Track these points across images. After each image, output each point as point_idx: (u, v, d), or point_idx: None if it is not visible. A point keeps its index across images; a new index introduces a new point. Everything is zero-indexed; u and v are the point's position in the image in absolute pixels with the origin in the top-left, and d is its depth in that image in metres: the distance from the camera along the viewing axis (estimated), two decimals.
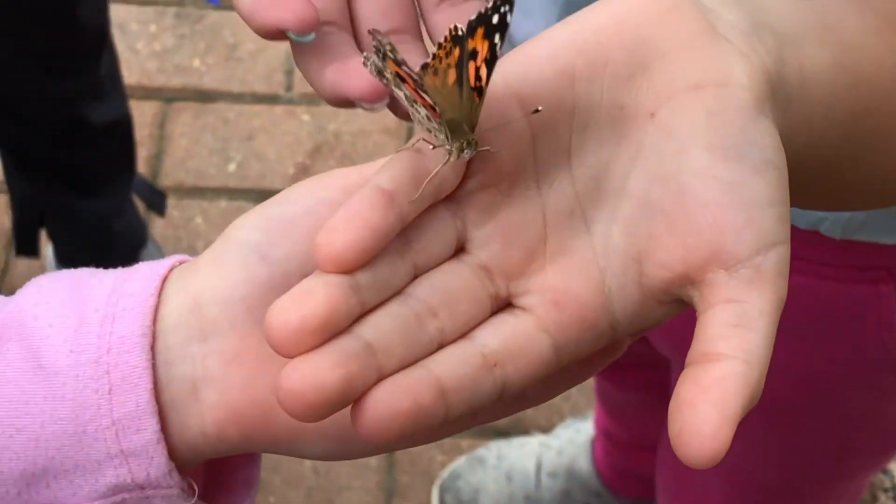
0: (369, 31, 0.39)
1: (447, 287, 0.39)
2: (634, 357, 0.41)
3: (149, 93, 1.75)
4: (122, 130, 1.39)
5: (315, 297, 0.36)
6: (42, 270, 1.51)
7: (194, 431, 0.40)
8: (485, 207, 0.40)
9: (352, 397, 0.36)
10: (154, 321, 0.40)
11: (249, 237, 0.40)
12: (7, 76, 1.27)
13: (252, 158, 1.71)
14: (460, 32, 0.39)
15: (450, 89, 0.39)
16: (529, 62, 0.39)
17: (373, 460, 1.46)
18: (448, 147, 0.38)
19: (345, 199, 0.39)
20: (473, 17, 0.39)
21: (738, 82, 0.39)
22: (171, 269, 0.42)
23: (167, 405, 0.40)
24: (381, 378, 0.36)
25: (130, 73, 1.71)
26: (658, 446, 1.04)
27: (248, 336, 0.40)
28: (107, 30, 1.31)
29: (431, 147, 0.39)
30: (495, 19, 0.38)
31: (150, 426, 0.40)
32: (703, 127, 0.38)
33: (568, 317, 0.39)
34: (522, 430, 1.48)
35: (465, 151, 0.38)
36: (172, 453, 0.40)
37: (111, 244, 1.45)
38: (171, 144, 1.71)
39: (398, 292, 0.38)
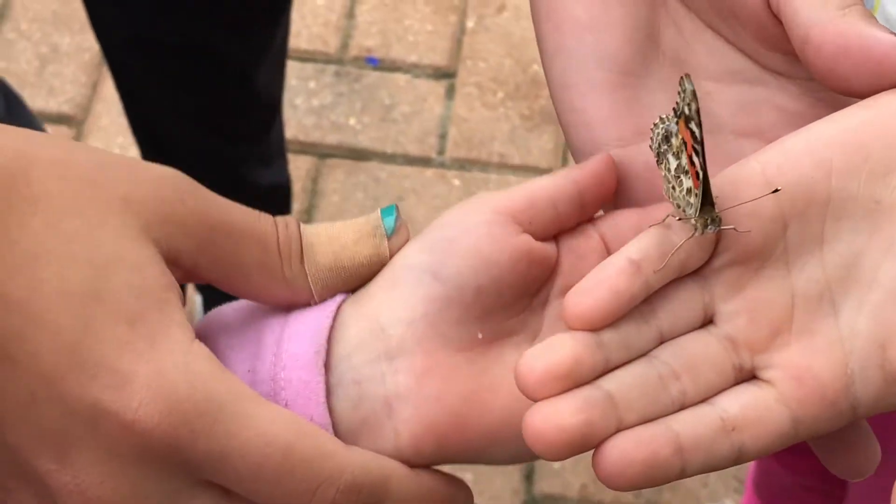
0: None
1: (692, 353, 0.41)
2: (807, 444, 0.42)
3: (304, 147, 1.78)
4: (282, 194, 1.41)
5: (563, 348, 0.39)
6: (190, 320, 1.53)
7: (387, 447, 0.41)
8: (733, 284, 0.41)
9: (592, 442, 0.38)
10: (328, 340, 0.42)
11: (418, 259, 0.42)
12: (180, 138, 1.29)
13: None
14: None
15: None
16: (787, 154, 0.41)
17: None
18: (693, 222, 0.40)
19: (496, 219, 0.42)
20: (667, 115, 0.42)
21: None
22: (343, 299, 0.43)
23: (359, 423, 0.41)
24: (620, 429, 0.38)
25: (287, 128, 1.74)
26: None
27: (434, 351, 0.42)
28: (281, 99, 1.32)
29: (678, 219, 0.41)
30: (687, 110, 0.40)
31: None
32: None
33: (808, 393, 0.40)
34: None
35: (710, 227, 0.40)
36: None
37: None
38: (322, 200, 1.74)
39: (643, 354, 0.40)
